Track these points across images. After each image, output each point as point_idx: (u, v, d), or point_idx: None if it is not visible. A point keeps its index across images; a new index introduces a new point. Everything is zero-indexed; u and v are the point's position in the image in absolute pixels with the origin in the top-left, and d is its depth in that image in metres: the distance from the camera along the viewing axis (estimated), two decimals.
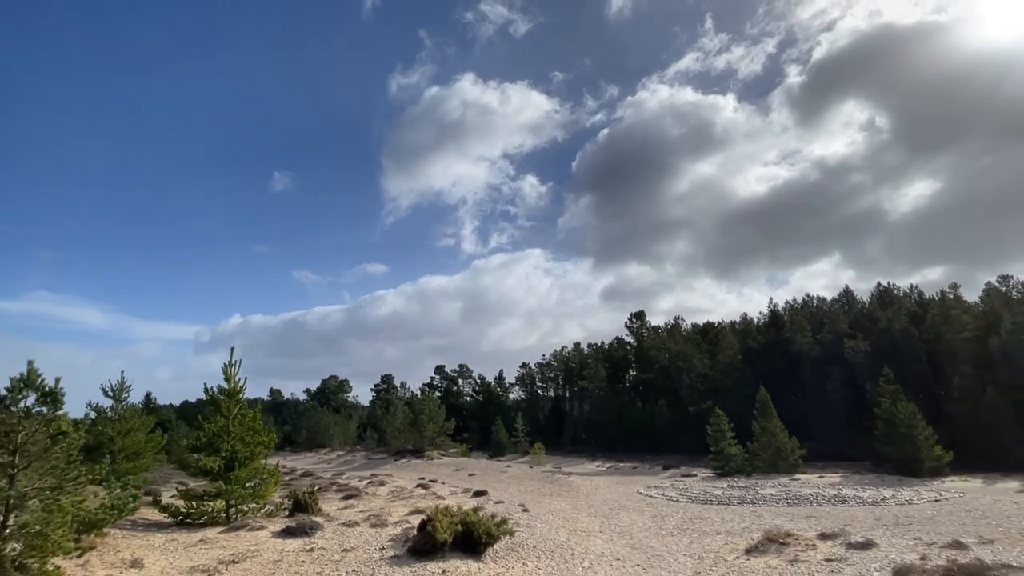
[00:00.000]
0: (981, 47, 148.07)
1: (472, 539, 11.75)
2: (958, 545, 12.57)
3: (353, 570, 10.46)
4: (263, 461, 16.31)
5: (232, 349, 16.03)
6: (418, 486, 27.61)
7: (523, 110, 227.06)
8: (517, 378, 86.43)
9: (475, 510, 12.87)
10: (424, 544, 11.37)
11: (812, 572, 11.14)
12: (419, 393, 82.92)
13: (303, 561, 11.06)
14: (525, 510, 20.22)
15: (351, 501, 21.83)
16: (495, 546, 12.44)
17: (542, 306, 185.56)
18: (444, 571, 10.38)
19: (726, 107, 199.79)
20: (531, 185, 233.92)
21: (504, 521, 12.77)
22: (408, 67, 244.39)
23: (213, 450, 15.22)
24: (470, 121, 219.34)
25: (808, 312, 65.31)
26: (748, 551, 13.21)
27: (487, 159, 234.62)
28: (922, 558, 11.22)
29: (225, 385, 15.94)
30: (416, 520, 15.67)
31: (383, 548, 12.30)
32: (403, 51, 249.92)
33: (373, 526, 15.18)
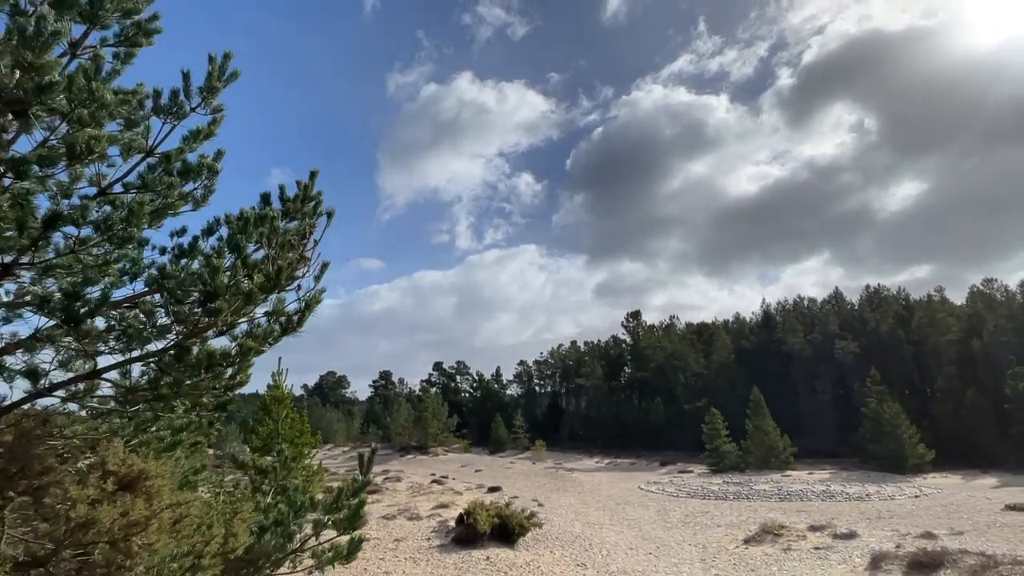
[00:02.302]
0: (968, 52, 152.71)
1: (507, 530, 13.42)
2: (929, 536, 14.36)
3: (409, 557, 12.12)
4: (308, 460, 17.86)
5: (279, 359, 17.58)
6: (433, 482, 29.25)
7: (520, 109, 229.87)
8: (515, 375, 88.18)
9: (507, 505, 14.55)
10: (466, 534, 13.03)
11: (803, 559, 12.88)
12: (418, 390, 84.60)
13: (363, 549, 12.69)
14: (540, 504, 21.91)
15: (375, 496, 23.44)
16: (525, 537, 14.12)
17: (536, 301, 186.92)
18: (488, 557, 12.05)
19: (719, 108, 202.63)
20: (526, 183, 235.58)
21: (533, 515, 14.45)
22: (406, 66, 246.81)
23: (266, 451, 16.76)
24: (467, 119, 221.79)
25: (800, 313, 67.42)
26: (747, 541, 14.94)
27: (483, 156, 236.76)
28: (897, 546, 12.97)
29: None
30: (445, 514, 17.35)
31: (428, 538, 13.96)
32: (402, 51, 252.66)
33: (409, 519, 16.81)
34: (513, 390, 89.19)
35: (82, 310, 2.66)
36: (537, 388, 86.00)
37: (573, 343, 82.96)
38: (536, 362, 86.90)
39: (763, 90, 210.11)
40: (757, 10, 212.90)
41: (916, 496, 24.43)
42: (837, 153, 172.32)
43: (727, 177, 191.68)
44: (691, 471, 38.76)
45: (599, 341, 79.94)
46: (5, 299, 3.23)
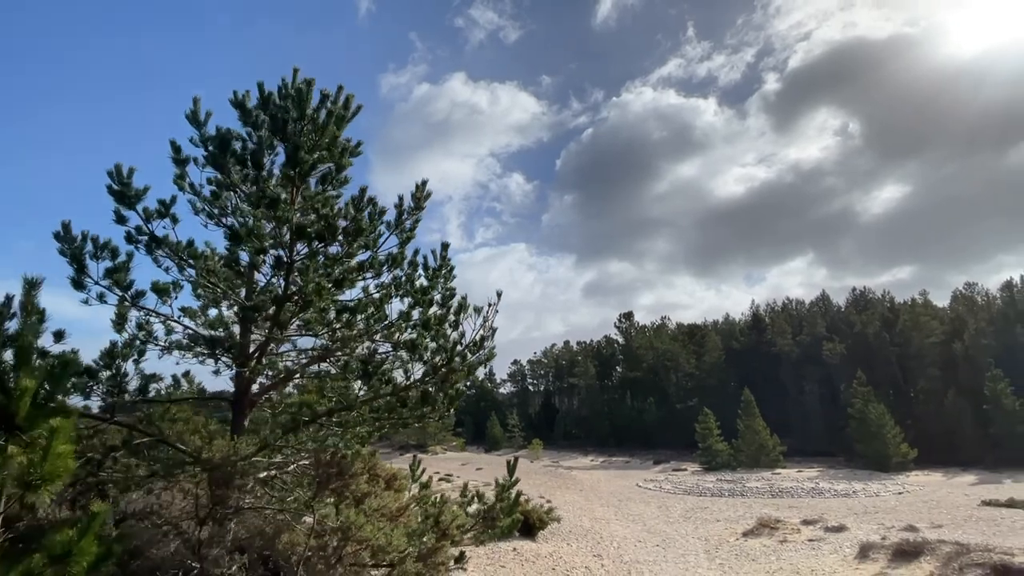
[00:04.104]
0: (950, 60, 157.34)
1: (528, 524, 14.59)
2: (912, 529, 15.72)
3: None
4: None
5: None
6: (440, 479, 30.34)
7: (511, 111, 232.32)
8: (508, 374, 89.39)
9: (526, 501, 15.70)
10: None
11: (798, 550, 14.17)
12: None
13: None
14: (548, 501, 23.09)
15: None
16: (543, 531, 15.31)
17: (525, 300, 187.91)
18: (515, 548, 13.23)
19: (707, 111, 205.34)
20: (517, 183, 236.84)
21: (551, 510, 15.64)
22: (400, 67, 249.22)
23: None
24: (459, 120, 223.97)
25: (788, 314, 69.22)
26: (745, 534, 16.23)
27: (474, 156, 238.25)
28: (883, 538, 14.29)
29: None
30: None
31: None
32: (395, 53, 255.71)
33: None
34: (507, 389, 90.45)
35: (370, 370, 3.80)
36: (531, 387, 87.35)
37: (566, 343, 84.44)
38: (529, 361, 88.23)
39: (750, 94, 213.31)
40: (744, 16, 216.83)
41: (900, 493, 25.89)
42: (821, 157, 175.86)
43: (714, 179, 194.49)
44: (684, 469, 40.14)
45: (591, 341, 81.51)
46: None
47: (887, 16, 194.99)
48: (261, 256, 4.20)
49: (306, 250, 4.13)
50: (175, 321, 4.51)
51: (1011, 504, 20.39)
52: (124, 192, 4.26)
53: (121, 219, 4.41)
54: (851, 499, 24.37)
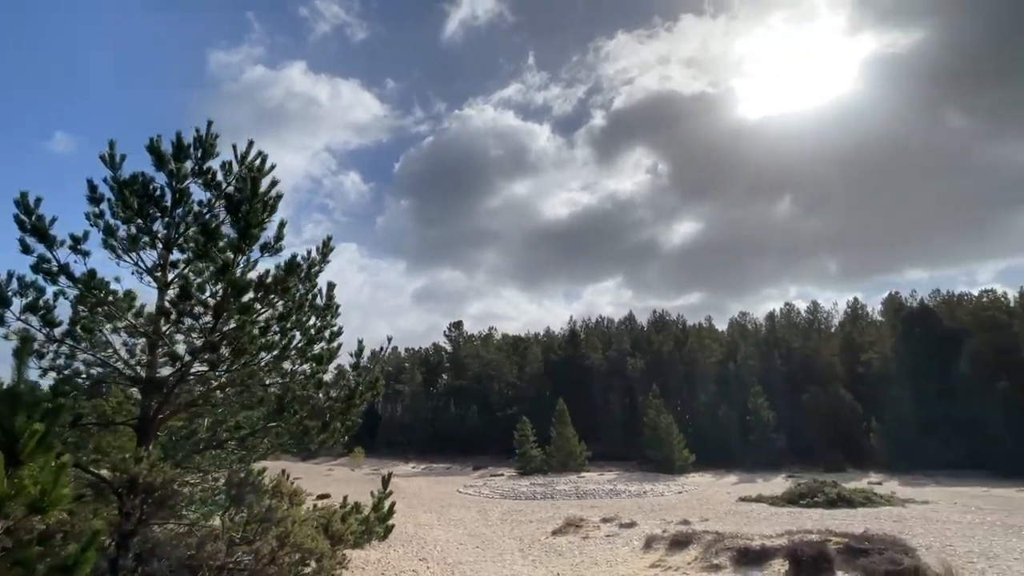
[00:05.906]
0: (740, 120, 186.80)
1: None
2: (686, 522, 18.82)
3: None
4: None
5: None
6: None
7: (353, 108, 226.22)
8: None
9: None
10: None
11: (597, 544, 16.33)
12: None
13: None
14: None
15: None
16: None
17: (353, 302, 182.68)
18: (344, 555, 13.64)
19: (541, 136, 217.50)
20: (352, 182, 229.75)
21: None
22: (233, 46, 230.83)
23: None
24: (294, 109, 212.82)
25: (599, 331, 76.34)
26: (554, 533, 18.17)
27: (309, 149, 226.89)
28: (663, 531, 16.99)
29: None
30: None
31: None
32: (229, 30, 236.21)
33: None
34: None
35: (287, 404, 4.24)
36: None
37: (394, 349, 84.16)
38: (352, 366, 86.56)
39: (579, 126, 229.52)
40: (579, 56, 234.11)
41: (680, 492, 30.21)
42: (635, 190, 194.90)
43: (543, 200, 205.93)
44: (501, 474, 42.48)
45: (419, 348, 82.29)
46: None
47: (695, 75, 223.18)
48: (191, 304, 4.55)
49: (239, 303, 4.59)
50: (89, 354, 4.63)
51: (759, 499, 25.01)
52: (35, 225, 4.32)
53: (27, 249, 4.43)
54: (642, 499, 27.95)
